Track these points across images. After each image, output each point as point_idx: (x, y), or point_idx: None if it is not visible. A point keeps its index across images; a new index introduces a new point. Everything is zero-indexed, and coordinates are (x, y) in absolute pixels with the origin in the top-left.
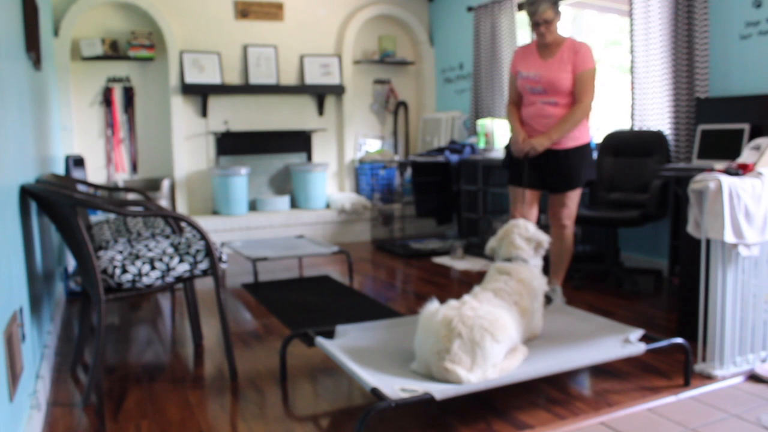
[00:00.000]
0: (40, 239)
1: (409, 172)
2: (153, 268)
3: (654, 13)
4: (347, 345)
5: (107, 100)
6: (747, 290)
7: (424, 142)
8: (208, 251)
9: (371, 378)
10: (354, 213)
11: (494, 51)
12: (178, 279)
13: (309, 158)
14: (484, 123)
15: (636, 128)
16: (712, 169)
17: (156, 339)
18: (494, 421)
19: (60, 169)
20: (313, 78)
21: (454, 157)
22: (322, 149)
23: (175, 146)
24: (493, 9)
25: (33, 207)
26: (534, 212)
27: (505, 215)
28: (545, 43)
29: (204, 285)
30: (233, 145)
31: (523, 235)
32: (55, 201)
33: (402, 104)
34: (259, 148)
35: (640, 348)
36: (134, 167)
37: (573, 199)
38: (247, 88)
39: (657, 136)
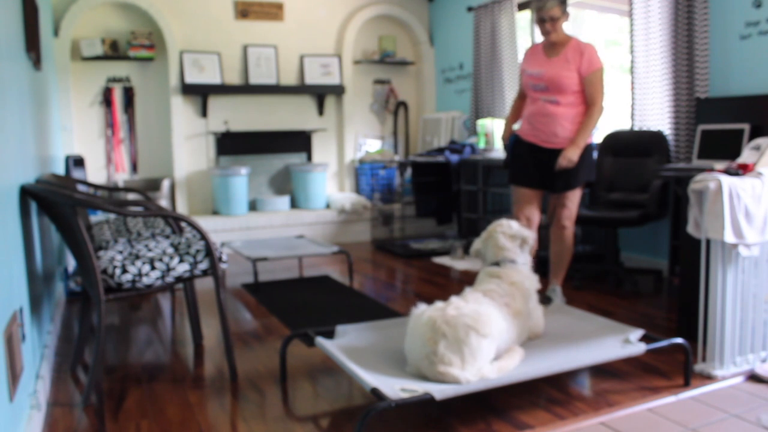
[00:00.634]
0: (40, 239)
1: (409, 172)
2: (153, 268)
3: (654, 13)
4: (347, 345)
5: (107, 100)
6: (747, 290)
7: (424, 142)
8: (208, 251)
9: (371, 378)
10: (354, 213)
11: (494, 51)
12: (178, 279)
13: (309, 158)
14: (484, 123)
15: (636, 128)
16: (712, 169)
17: (156, 339)
18: (494, 421)
19: (60, 169)
20: (313, 78)
21: (454, 157)
22: (322, 149)
23: (175, 146)
24: (493, 9)
25: (33, 207)
26: (535, 212)
27: (506, 215)
28: (551, 42)
29: (204, 285)
30: (233, 145)
31: (507, 233)
32: (55, 201)
33: (402, 104)
34: (259, 148)
35: (640, 348)
36: (134, 167)
37: (573, 199)
38: (247, 88)
39: (657, 136)
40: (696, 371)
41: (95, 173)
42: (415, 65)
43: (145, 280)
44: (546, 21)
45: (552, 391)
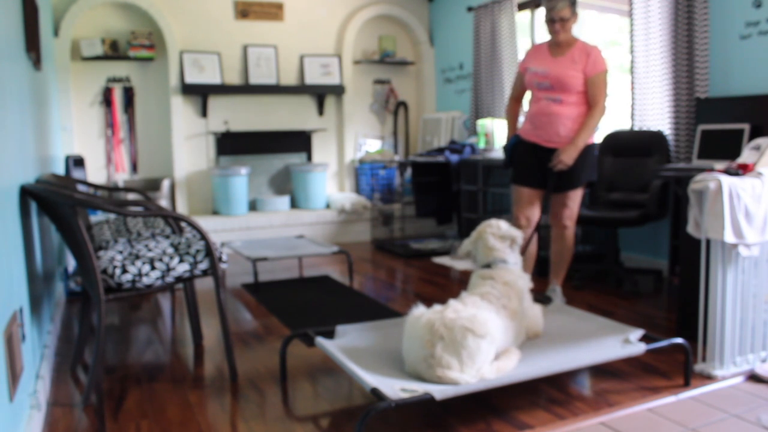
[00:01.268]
0: (40, 239)
1: (409, 172)
2: (153, 268)
3: (654, 13)
4: (347, 345)
5: (107, 100)
6: (747, 290)
7: (424, 142)
8: (208, 251)
9: (371, 378)
10: (354, 213)
11: (494, 51)
12: (178, 279)
13: (309, 158)
14: (484, 123)
15: (636, 128)
16: (712, 169)
17: (156, 339)
18: (494, 421)
19: (60, 169)
20: (313, 78)
21: (454, 157)
22: (322, 149)
23: (175, 146)
24: (493, 9)
25: (33, 207)
26: (536, 212)
27: (506, 215)
28: (557, 42)
29: (204, 285)
30: (233, 145)
31: (497, 234)
32: (55, 201)
33: (402, 104)
34: (259, 148)
35: (640, 348)
36: (134, 167)
37: (574, 199)
38: (247, 88)
39: (657, 136)
40: (696, 371)
41: (95, 173)
42: (415, 65)
43: (145, 280)
44: (556, 21)
45: (552, 391)
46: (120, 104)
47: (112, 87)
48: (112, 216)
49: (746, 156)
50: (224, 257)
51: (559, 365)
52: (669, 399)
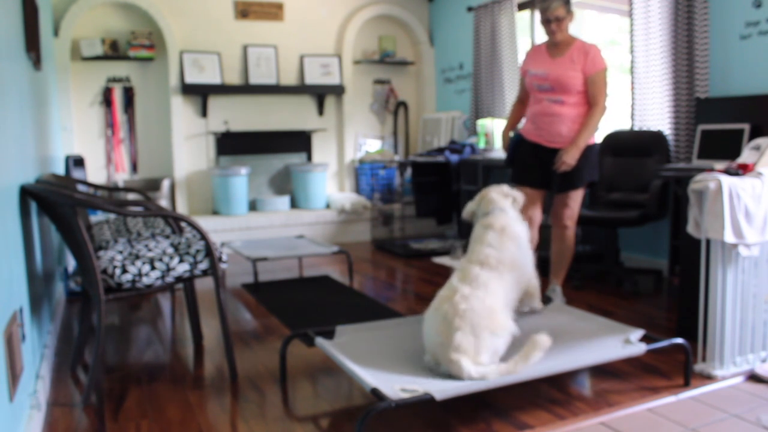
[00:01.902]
0: (40, 239)
1: (409, 172)
2: (153, 268)
3: (654, 13)
4: (347, 345)
5: (107, 100)
6: (747, 290)
7: (424, 142)
8: (208, 251)
9: (371, 378)
10: (354, 213)
11: (494, 51)
12: (178, 279)
13: (309, 158)
14: (484, 123)
15: (636, 128)
16: (712, 169)
17: (156, 339)
18: (494, 421)
19: (60, 169)
20: (313, 78)
21: (454, 157)
22: (322, 149)
23: (175, 146)
24: (493, 9)
25: (33, 207)
26: (537, 212)
27: None
28: (555, 42)
29: (204, 285)
30: (233, 145)
31: (499, 191)
32: (55, 201)
33: (402, 104)
34: (259, 148)
35: (641, 348)
36: (134, 167)
37: (575, 199)
38: (247, 88)
39: (657, 136)
40: (696, 371)
41: (95, 173)
42: (415, 65)
43: (145, 280)
44: (551, 21)
45: (552, 391)
46: (120, 104)
47: (112, 87)
48: (112, 216)
49: (746, 156)
50: (224, 257)
51: (559, 365)
52: (669, 399)
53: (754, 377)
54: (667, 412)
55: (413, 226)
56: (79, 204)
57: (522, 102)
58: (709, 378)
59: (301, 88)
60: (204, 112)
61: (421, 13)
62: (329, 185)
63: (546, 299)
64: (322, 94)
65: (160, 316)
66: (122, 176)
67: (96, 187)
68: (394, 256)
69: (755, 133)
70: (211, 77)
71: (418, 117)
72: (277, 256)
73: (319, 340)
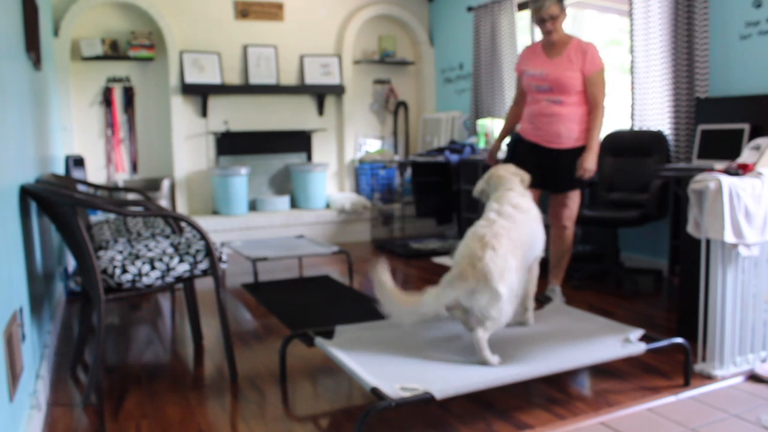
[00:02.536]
0: (40, 239)
1: (409, 172)
2: (153, 268)
3: (654, 13)
4: (347, 345)
5: (107, 100)
6: (747, 290)
7: (424, 142)
8: (208, 251)
9: (371, 378)
10: (354, 213)
11: (494, 51)
12: (178, 279)
13: (309, 158)
14: (484, 123)
15: (636, 128)
16: (712, 169)
17: (156, 339)
18: (494, 421)
19: (60, 169)
20: (313, 78)
21: (454, 157)
22: (322, 149)
23: (175, 146)
24: (493, 9)
25: (33, 207)
26: None
27: None
28: (551, 42)
29: (204, 285)
30: (233, 145)
31: (507, 170)
32: (55, 201)
33: (402, 104)
34: (259, 148)
35: (640, 348)
36: (134, 167)
37: (574, 199)
38: (247, 88)
39: (657, 136)
40: (696, 371)
41: (95, 173)
42: (415, 65)
43: (145, 280)
44: (546, 20)
45: (552, 391)
46: (120, 104)
47: (112, 87)
48: (112, 216)
49: (746, 156)
50: (224, 257)
51: (560, 365)
52: (669, 399)
53: (754, 377)
54: (667, 412)
55: (413, 226)
56: (79, 204)
57: (518, 104)
58: (709, 378)
59: (301, 88)
60: (204, 112)
61: (421, 13)
62: (329, 185)
63: (546, 299)
64: (322, 94)
65: (160, 316)
66: (122, 176)
67: (96, 187)
68: (394, 256)
69: (755, 133)
70: (211, 77)
71: (418, 117)
72: (277, 256)
73: (319, 340)
